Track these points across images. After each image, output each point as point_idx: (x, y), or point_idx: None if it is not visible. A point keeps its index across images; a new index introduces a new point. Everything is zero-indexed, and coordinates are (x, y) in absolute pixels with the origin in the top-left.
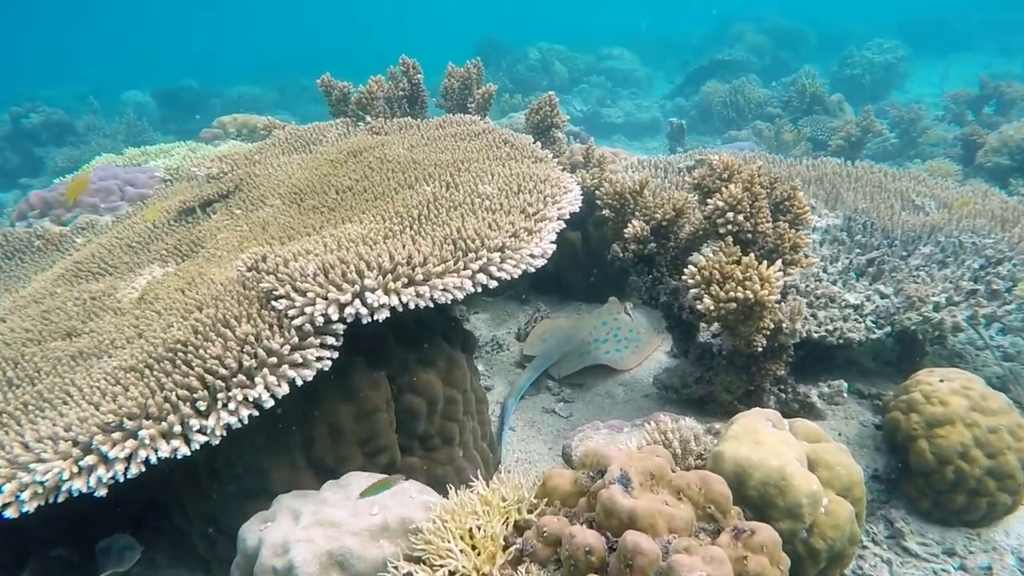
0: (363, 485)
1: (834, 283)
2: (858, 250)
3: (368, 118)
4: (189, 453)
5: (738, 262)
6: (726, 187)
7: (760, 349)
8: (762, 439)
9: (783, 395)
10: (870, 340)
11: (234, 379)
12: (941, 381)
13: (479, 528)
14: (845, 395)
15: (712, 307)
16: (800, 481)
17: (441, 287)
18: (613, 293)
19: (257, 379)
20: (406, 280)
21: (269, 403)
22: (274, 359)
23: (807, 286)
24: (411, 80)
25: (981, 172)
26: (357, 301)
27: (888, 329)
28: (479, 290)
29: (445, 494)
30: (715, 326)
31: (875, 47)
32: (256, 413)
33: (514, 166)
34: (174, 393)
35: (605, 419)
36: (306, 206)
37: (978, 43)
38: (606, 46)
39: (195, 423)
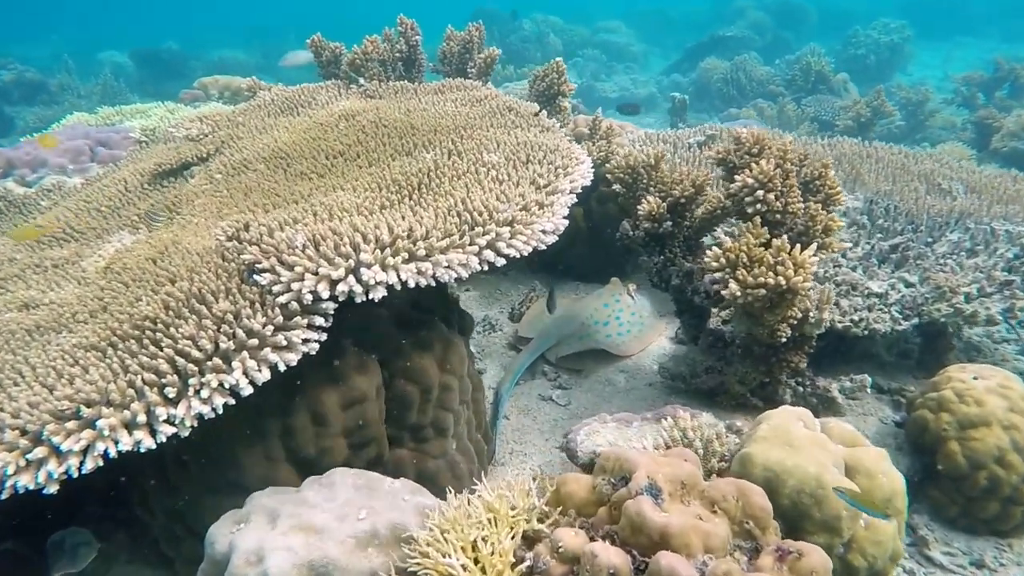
0: (348, 484)
1: (854, 269)
2: (880, 235)
3: (361, 80)
4: (154, 446)
5: (767, 245)
6: (756, 163)
7: (785, 339)
8: (795, 441)
9: (800, 388)
10: (895, 332)
11: (208, 363)
12: (975, 379)
13: (484, 540)
14: (869, 390)
15: (738, 293)
16: None
17: (445, 264)
18: (615, 273)
19: (235, 363)
20: (406, 255)
21: (247, 390)
22: (255, 341)
23: (826, 272)
24: (408, 41)
25: (996, 157)
26: (351, 277)
27: (915, 321)
28: (485, 268)
29: (437, 491)
30: (725, 312)
31: (881, 27)
32: (232, 401)
33: (520, 135)
34: (139, 377)
35: (607, 408)
36: (293, 171)
37: (981, 27)
38: (602, 19)
39: (162, 412)
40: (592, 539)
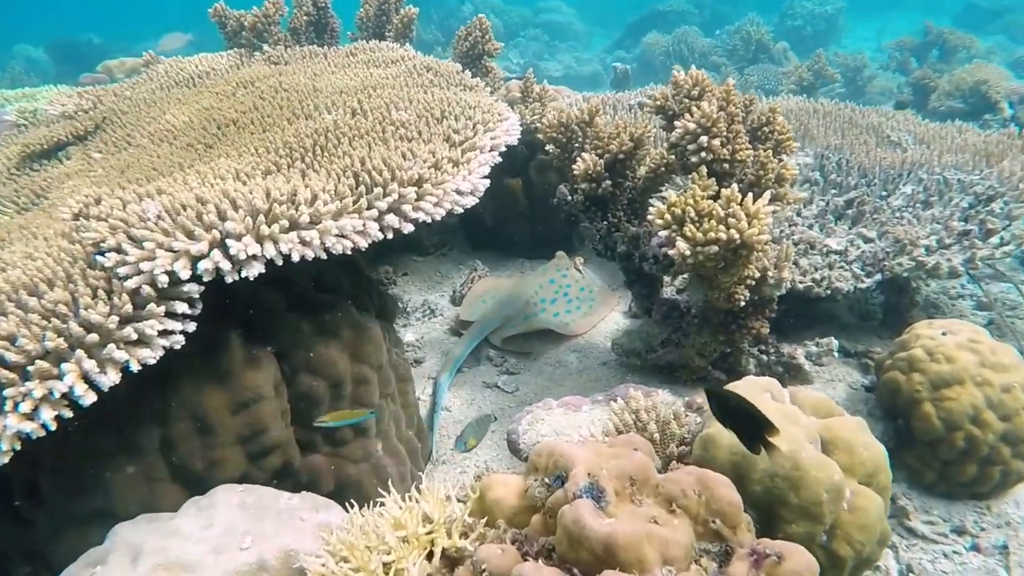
0: (233, 504)
1: (810, 228)
2: (834, 191)
3: (265, 47)
4: None
5: (716, 196)
6: (697, 106)
7: (743, 303)
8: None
9: (765, 357)
10: (858, 290)
11: (31, 368)
12: (944, 334)
13: (388, 569)
14: (836, 354)
15: (688, 252)
16: (817, 470)
17: (336, 232)
18: (561, 247)
19: (67, 367)
20: (286, 223)
21: (89, 399)
22: (94, 336)
23: (781, 231)
24: (316, 3)
25: (935, 116)
26: (216, 252)
27: (878, 277)
28: (388, 236)
29: (363, 500)
30: (680, 280)
31: None
32: (69, 414)
33: (438, 93)
34: None
35: (559, 393)
36: (179, 144)
37: (910, 2)
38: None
39: None
40: (525, 556)
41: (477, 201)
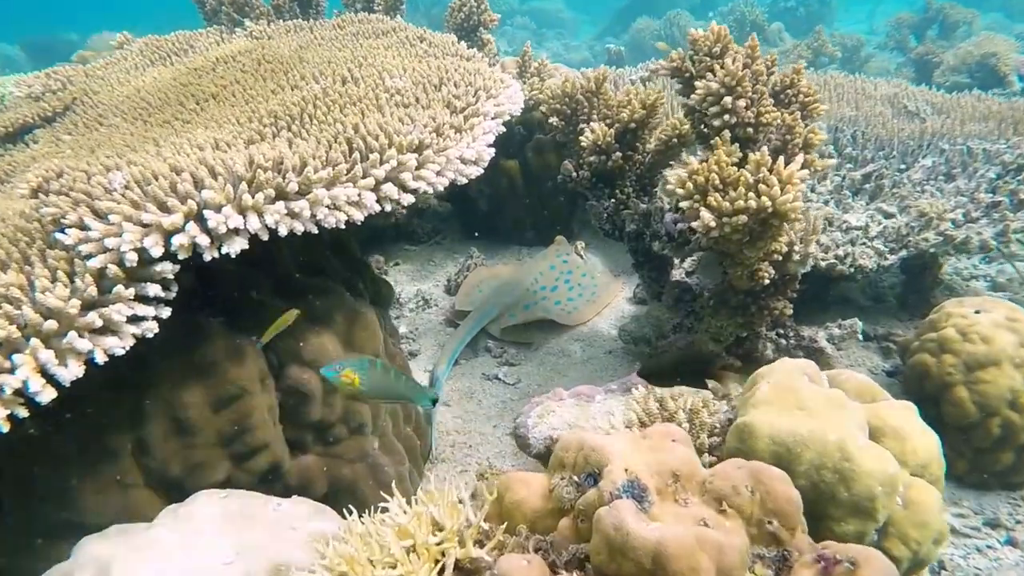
0: (216, 512)
1: (826, 203)
2: (849, 165)
3: (247, 22)
4: None
5: (741, 163)
6: (720, 64)
7: (767, 281)
8: (807, 402)
9: (783, 341)
10: (882, 268)
11: None
12: (978, 312)
13: None
14: (860, 336)
15: (713, 224)
16: (871, 461)
17: (328, 203)
18: (560, 232)
19: (20, 358)
20: (272, 193)
21: (47, 395)
22: (53, 323)
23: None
24: None
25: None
26: (193, 225)
27: (904, 253)
28: (388, 208)
29: (359, 504)
30: (689, 262)
31: None
32: (25, 413)
33: (434, 62)
34: None
35: (562, 384)
36: (155, 121)
37: None
38: None
39: None
40: (553, 568)
41: (482, 171)
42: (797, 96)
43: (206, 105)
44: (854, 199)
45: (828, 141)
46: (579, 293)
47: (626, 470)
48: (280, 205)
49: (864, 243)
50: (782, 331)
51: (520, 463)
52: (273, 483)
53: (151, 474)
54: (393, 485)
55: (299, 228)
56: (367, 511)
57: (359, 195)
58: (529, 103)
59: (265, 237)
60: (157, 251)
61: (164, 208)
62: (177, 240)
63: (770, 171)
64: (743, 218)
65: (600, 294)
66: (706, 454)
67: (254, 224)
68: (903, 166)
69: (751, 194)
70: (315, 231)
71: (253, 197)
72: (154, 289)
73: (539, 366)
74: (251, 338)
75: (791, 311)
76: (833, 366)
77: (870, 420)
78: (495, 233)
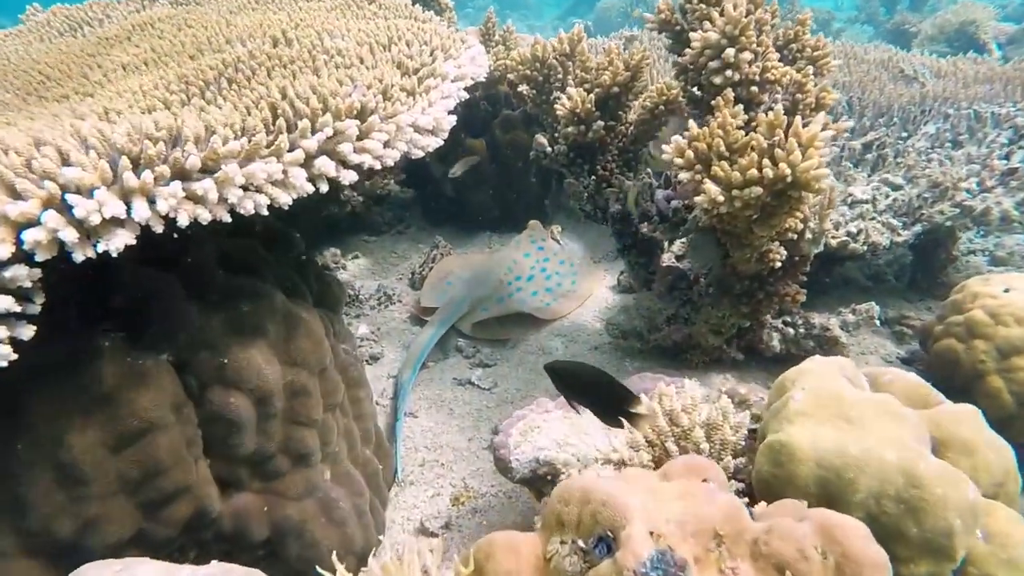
0: None
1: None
2: (847, 134)
3: None
4: None
5: (747, 128)
6: (720, 11)
7: (778, 264)
8: (853, 411)
9: (791, 330)
10: (895, 244)
11: None
12: (1007, 291)
13: None
14: (877, 322)
15: (720, 198)
16: (944, 487)
17: (241, 182)
18: (533, 215)
19: None
20: (166, 171)
21: None
22: None
23: None
24: None
25: None
26: (54, 215)
27: (917, 228)
28: (323, 187)
29: (307, 551)
30: (677, 245)
31: None
32: None
33: (383, 23)
34: None
35: (544, 388)
36: (52, 96)
37: None
38: None
39: None
40: None
41: (441, 142)
42: (803, 51)
43: (114, 76)
44: (855, 170)
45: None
46: (558, 283)
47: (652, 533)
48: (176, 187)
49: (873, 218)
50: (789, 319)
51: (501, 483)
52: (200, 532)
53: (30, 539)
54: (348, 527)
55: (205, 216)
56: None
57: (285, 172)
58: (494, 75)
59: (159, 228)
60: (5, 252)
61: (13, 192)
62: (31, 236)
63: (786, 134)
64: (757, 190)
65: (581, 283)
66: (733, 480)
67: (142, 212)
68: (904, 134)
69: (766, 161)
70: (227, 219)
71: (139, 176)
72: (5, 302)
73: (517, 367)
74: (161, 356)
75: (804, 297)
76: (847, 356)
77: (931, 431)
78: (462, 219)
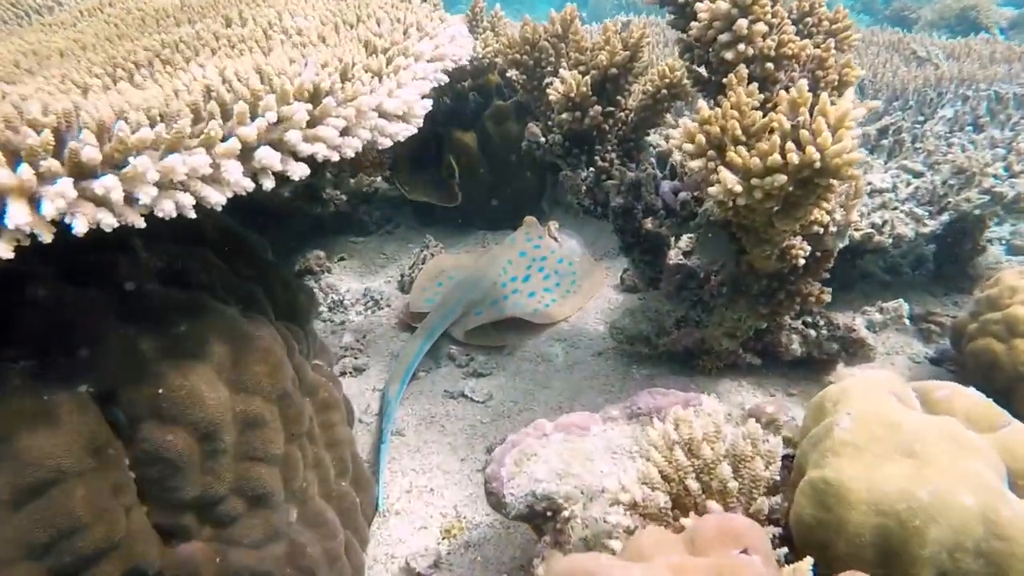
0: None
1: None
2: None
3: None
4: None
5: (764, 108)
6: None
7: (802, 261)
8: (914, 441)
9: (812, 332)
10: (920, 235)
11: None
12: None
13: None
14: (907, 321)
15: (738, 189)
16: None
17: (155, 178)
18: (529, 211)
19: None
20: (55, 166)
21: None
22: None
23: None
24: None
25: None
26: None
27: (945, 217)
28: (267, 183)
29: None
30: (685, 240)
31: None
32: None
33: (353, 1)
34: None
35: (544, 398)
36: None
37: None
38: None
39: None
40: None
41: (414, 131)
42: (820, 25)
43: (47, 63)
44: (872, 157)
45: None
46: (556, 282)
47: None
48: (65, 185)
49: (896, 208)
50: (810, 320)
51: (495, 519)
52: None
53: None
54: (335, 563)
55: (108, 221)
56: None
57: (217, 166)
58: (483, 63)
59: (47, 238)
60: None
61: None
62: None
63: (812, 113)
64: (780, 178)
65: (582, 283)
66: (771, 528)
67: (18, 218)
68: (921, 117)
69: (790, 145)
70: (139, 223)
71: (16, 171)
72: None
73: (514, 376)
74: (79, 388)
75: (829, 297)
76: (873, 359)
77: (1005, 461)
78: (453, 217)
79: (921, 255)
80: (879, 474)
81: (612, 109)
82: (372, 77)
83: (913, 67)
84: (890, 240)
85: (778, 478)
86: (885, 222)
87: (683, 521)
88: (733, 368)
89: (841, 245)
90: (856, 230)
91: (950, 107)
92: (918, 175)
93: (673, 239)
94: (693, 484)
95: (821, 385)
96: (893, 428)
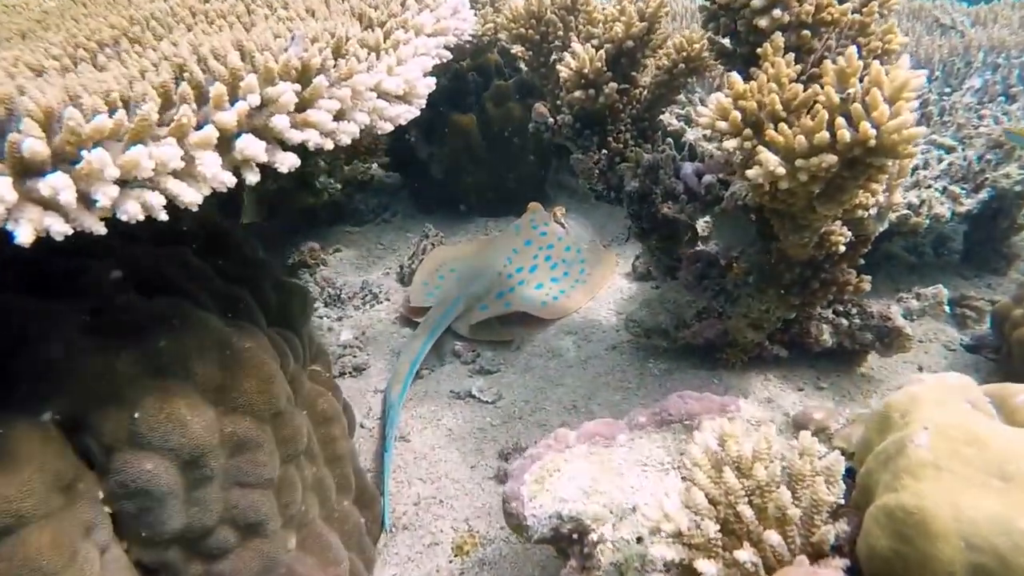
0: None
1: None
2: None
3: None
4: None
5: (803, 77)
6: None
7: (842, 248)
8: (1009, 460)
9: (844, 321)
10: (956, 215)
11: None
12: None
13: None
14: (947, 308)
15: (782, 171)
16: None
17: (115, 175)
18: (534, 197)
19: None
20: None
21: None
22: None
23: None
24: None
25: None
26: None
27: (983, 195)
28: (250, 178)
29: None
30: (702, 224)
31: None
32: None
33: None
34: None
35: (557, 396)
36: None
37: None
38: None
39: None
40: None
41: (417, 112)
42: None
43: (8, 46)
44: None
45: None
46: (564, 272)
47: None
48: (4, 186)
49: (930, 185)
50: (841, 308)
51: (512, 538)
52: None
53: None
54: None
55: (59, 228)
56: None
57: (189, 158)
58: (483, 40)
59: None
60: None
61: None
62: None
63: (865, 82)
64: (830, 158)
65: (591, 272)
66: (834, 559)
67: None
68: (948, 89)
69: (840, 120)
70: (98, 230)
71: None
72: None
73: (524, 373)
74: (42, 416)
75: (868, 286)
76: (908, 349)
77: None
78: (454, 204)
79: (942, 234)
80: (969, 502)
81: (627, 86)
82: (369, 53)
83: (937, 35)
84: (928, 221)
85: (842, 501)
86: (923, 201)
87: (737, 554)
88: (758, 361)
89: (881, 228)
90: (893, 211)
91: (978, 76)
92: (950, 150)
93: (700, 224)
94: (746, 511)
95: (853, 377)
96: (980, 445)
